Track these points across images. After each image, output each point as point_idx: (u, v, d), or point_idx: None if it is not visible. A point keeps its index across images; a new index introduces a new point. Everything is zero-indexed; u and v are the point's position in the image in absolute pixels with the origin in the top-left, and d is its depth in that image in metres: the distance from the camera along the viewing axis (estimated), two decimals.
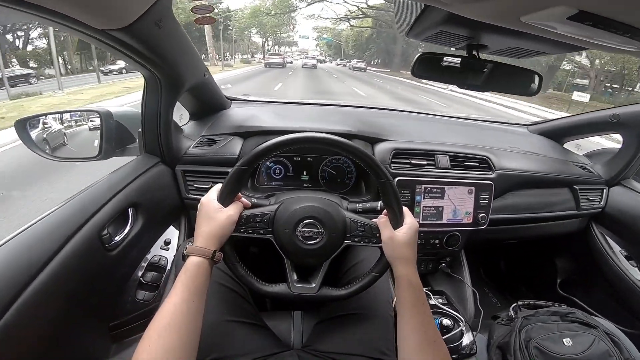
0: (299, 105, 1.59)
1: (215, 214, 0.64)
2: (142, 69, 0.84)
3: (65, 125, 1.07)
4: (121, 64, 19.60)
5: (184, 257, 0.62)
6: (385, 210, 0.71)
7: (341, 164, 1.17)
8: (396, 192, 0.68)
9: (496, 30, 0.59)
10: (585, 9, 0.38)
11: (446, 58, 0.82)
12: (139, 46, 0.73)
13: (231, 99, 1.41)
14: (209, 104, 1.27)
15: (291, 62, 42.87)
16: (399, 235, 0.67)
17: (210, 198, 0.66)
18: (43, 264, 0.63)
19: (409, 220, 0.70)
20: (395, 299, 0.67)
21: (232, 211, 0.65)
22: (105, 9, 0.59)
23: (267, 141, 0.66)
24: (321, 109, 1.55)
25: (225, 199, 0.65)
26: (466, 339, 1.06)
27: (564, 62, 20.46)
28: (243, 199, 0.70)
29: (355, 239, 0.70)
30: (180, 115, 1.25)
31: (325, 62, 65.42)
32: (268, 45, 62.10)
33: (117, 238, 0.84)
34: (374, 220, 0.72)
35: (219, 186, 0.67)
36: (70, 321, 0.71)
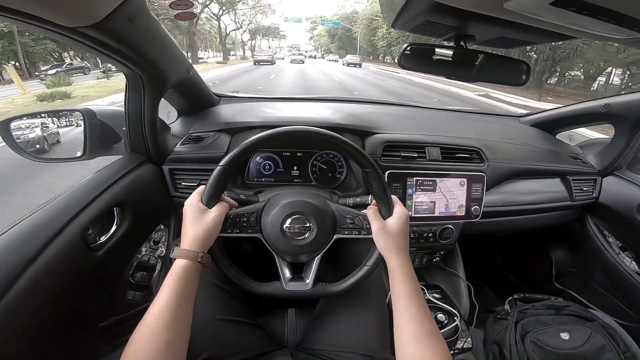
0: (289, 101, 1.57)
1: (200, 216, 0.63)
2: (121, 67, 0.82)
3: (56, 125, 1.05)
4: None
5: (171, 261, 0.61)
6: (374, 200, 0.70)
7: (331, 158, 1.15)
8: (383, 180, 0.67)
9: (482, 19, 0.58)
10: None
11: (436, 50, 0.80)
12: (114, 43, 0.71)
13: (220, 96, 1.39)
14: (196, 101, 1.25)
15: (283, 58, 39.68)
16: (389, 225, 0.67)
17: (193, 200, 0.65)
18: (25, 265, 0.62)
19: (399, 209, 0.69)
20: (389, 293, 0.67)
21: (217, 212, 0.64)
22: (73, 6, 0.57)
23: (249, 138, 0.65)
24: (311, 104, 1.53)
25: (209, 200, 0.64)
26: (462, 334, 1.06)
27: None
28: (228, 199, 0.69)
29: (345, 232, 0.70)
30: (168, 112, 1.23)
31: (316, 57, 57.72)
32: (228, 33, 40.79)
33: (103, 238, 0.83)
34: (363, 211, 0.71)
35: (202, 188, 0.66)
36: (58, 323, 0.70)
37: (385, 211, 0.68)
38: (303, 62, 31.94)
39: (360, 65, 28.96)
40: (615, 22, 0.43)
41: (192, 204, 0.65)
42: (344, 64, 30.79)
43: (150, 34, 0.78)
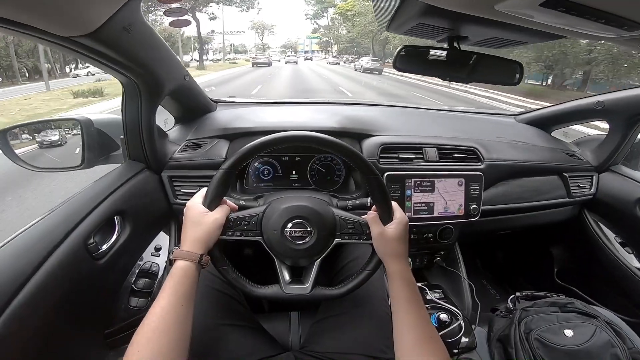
0: (286, 105, 1.58)
1: (201, 218, 0.63)
2: (117, 75, 0.82)
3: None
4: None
5: (171, 262, 0.61)
6: (374, 206, 0.71)
7: (330, 161, 1.16)
8: (383, 186, 0.68)
9: (475, 20, 0.59)
10: None
11: (431, 51, 0.81)
12: (109, 52, 0.71)
13: (217, 102, 1.40)
14: (193, 108, 1.26)
15: (279, 60, 42.14)
16: (389, 231, 0.67)
17: (195, 202, 0.66)
18: (29, 275, 0.62)
19: (399, 215, 0.69)
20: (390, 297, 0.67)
21: (218, 215, 0.64)
22: (67, 16, 0.57)
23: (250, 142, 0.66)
24: (307, 108, 1.54)
25: (210, 203, 0.65)
26: (465, 333, 1.05)
27: None
28: (229, 202, 0.69)
29: (345, 237, 0.70)
30: (165, 119, 1.24)
31: (312, 59, 51.42)
32: None
33: (105, 246, 0.84)
34: (363, 216, 0.71)
35: (204, 190, 0.67)
36: (62, 331, 0.70)
37: (385, 217, 0.68)
38: (296, 63, 38.05)
39: (380, 72, 22.06)
40: (603, 21, 0.43)
41: (193, 206, 0.65)
42: (357, 69, 24.28)
43: (145, 41, 0.79)
